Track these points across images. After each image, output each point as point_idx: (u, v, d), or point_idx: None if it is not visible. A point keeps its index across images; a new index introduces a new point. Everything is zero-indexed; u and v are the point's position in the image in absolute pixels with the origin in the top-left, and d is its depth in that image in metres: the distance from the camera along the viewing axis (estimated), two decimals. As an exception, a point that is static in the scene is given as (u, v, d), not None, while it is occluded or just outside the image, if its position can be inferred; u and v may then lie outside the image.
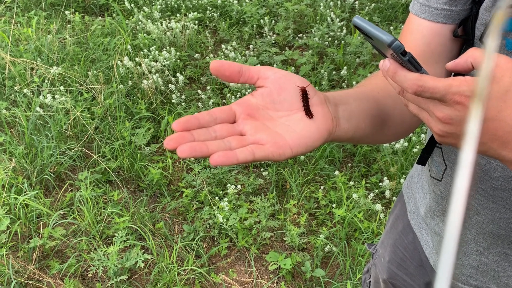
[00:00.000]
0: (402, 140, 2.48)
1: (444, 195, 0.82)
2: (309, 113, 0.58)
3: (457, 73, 0.66)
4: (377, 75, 0.75)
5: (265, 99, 0.58)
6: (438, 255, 0.89)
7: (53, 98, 2.74)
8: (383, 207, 2.24)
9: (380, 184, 2.36)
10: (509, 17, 0.62)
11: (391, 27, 3.55)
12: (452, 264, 0.19)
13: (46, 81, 2.92)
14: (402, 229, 1.00)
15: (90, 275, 2.00)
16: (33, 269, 1.99)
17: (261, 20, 3.62)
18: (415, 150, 2.49)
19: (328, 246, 2.10)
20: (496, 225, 0.75)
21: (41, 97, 2.73)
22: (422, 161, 0.83)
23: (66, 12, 3.68)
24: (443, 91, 0.48)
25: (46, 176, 2.35)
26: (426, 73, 0.52)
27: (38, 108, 2.64)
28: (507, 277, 0.80)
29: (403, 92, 0.55)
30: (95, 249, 2.08)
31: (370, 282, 1.15)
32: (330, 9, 3.69)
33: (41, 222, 2.19)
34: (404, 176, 2.39)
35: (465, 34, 0.69)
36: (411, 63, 0.51)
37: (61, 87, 2.82)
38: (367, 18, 3.64)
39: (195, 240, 2.13)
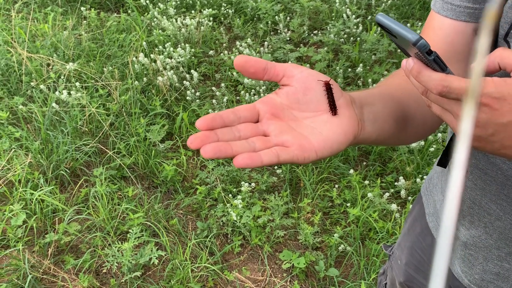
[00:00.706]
0: (418, 139, 2.45)
1: (464, 199, 0.81)
2: (333, 109, 0.56)
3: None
4: (398, 74, 0.73)
5: (290, 99, 0.56)
6: (457, 259, 0.87)
7: (69, 94, 2.76)
8: (399, 207, 2.22)
9: (396, 183, 2.33)
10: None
11: (408, 24, 3.51)
12: (447, 263, 0.18)
13: (62, 77, 2.94)
14: (420, 231, 0.98)
15: (104, 270, 2.01)
16: (49, 264, 2.01)
17: (276, 17, 3.60)
18: (431, 149, 2.46)
19: (342, 246, 2.09)
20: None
21: (57, 93, 2.75)
22: (443, 163, 0.82)
23: (82, 8, 3.71)
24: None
25: (62, 172, 2.37)
26: (452, 73, 0.50)
27: (54, 104, 2.67)
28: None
29: (426, 92, 0.53)
30: (109, 245, 2.09)
31: (386, 284, 1.14)
32: (346, 5, 3.65)
33: (57, 218, 2.21)
34: (420, 175, 2.36)
35: None
36: (436, 63, 0.49)
37: (77, 83, 2.84)
38: (383, 15, 3.60)
39: (209, 237, 2.14)
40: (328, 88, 0.57)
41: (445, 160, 0.81)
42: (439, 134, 2.54)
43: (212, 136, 0.50)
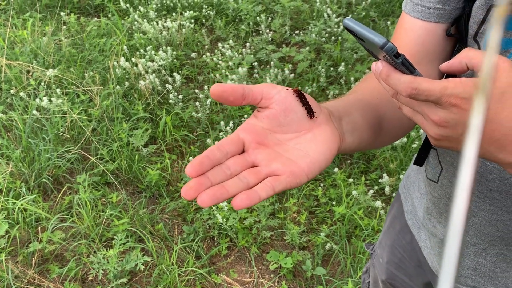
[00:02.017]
0: (401, 136, 2.47)
1: (440, 197, 0.81)
2: (311, 113, 0.56)
3: (449, 75, 0.65)
4: (372, 77, 0.74)
5: (271, 123, 0.56)
6: (436, 256, 0.88)
7: (50, 100, 2.73)
8: (383, 204, 2.23)
9: (380, 180, 2.35)
10: (506, 15, 0.61)
11: (388, 22, 3.54)
12: (455, 267, 0.18)
13: (43, 83, 2.90)
14: (400, 229, 0.99)
15: (90, 278, 1.99)
16: (33, 273, 1.99)
17: (258, 18, 3.60)
18: (414, 145, 2.48)
19: (328, 244, 2.09)
20: (493, 227, 0.74)
21: (37, 100, 2.72)
22: (419, 161, 0.82)
23: (61, 13, 3.67)
24: (438, 93, 0.47)
25: (44, 180, 2.34)
26: (420, 75, 0.51)
27: (34, 111, 2.63)
28: (506, 278, 0.79)
29: (396, 95, 0.54)
30: (94, 252, 2.07)
31: (369, 282, 1.14)
32: (326, 5, 3.67)
33: (40, 226, 2.18)
34: (403, 172, 2.38)
35: (458, 33, 0.68)
36: (404, 65, 0.49)
37: (58, 90, 2.81)
38: (363, 13, 3.63)
39: (195, 241, 2.13)
40: (299, 94, 0.56)
41: (421, 159, 0.82)
42: (421, 130, 2.57)
43: (205, 182, 0.49)
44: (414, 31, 0.70)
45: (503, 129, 0.47)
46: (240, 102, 0.54)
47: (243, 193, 0.49)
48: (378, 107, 0.67)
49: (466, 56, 0.51)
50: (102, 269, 1.95)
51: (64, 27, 3.57)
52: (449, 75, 0.64)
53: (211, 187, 0.49)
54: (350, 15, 3.62)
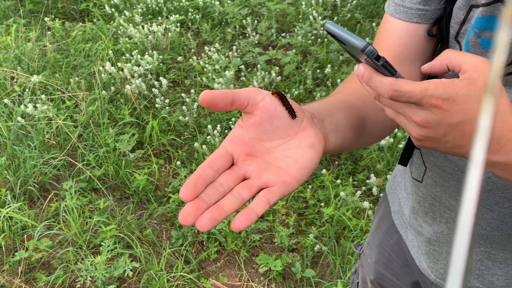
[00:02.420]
0: (388, 137, 2.48)
1: (425, 196, 0.82)
2: (292, 114, 0.56)
3: (430, 76, 0.65)
4: (355, 78, 0.74)
5: (258, 131, 0.55)
6: (423, 255, 0.89)
7: (35, 107, 2.70)
8: (371, 204, 2.24)
9: (367, 181, 2.36)
10: (483, 16, 0.62)
11: (373, 24, 3.56)
12: (463, 270, 0.18)
13: (27, 90, 2.87)
14: (387, 229, 0.99)
15: (78, 286, 1.97)
16: (19, 282, 1.96)
17: (244, 21, 3.60)
18: (400, 146, 2.50)
19: (317, 246, 2.10)
20: (477, 225, 0.74)
21: (22, 106, 2.69)
22: (403, 161, 0.83)
23: (46, 18, 3.63)
24: (419, 94, 0.48)
25: (30, 187, 2.31)
26: (401, 77, 0.51)
27: (19, 118, 2.60)
28: (491, 275, 0.80)
29: (379, 97, 0.54)
30: (82, 259, 2.05)
31: (358, 283, 1.14)
32: (312, 7, 3.68)
33: (26, 234, 2.15)
34: (390, 172, 2.40)
35: (440, 33, 0.69)
36: (385, 68, 0.50)
37: (43, 96, 2.78)
38: (349, 15, 3.65)
39: (184, 245, 2.12)
40: (280, 96, 0.56)
41: (405, 159, 0.83)
42: (408, 131, 2.58)
43: (201, 206, 0.48)
44: (396, 32, 0.71)
45: None
46: (228, 108, 0.54)
47: (241, 214, 0.49)
48: (361, 108, 0.68)
49: (446, 57, 0.52)
50: (90, 276, 1.93)
51: (49, 32, 3.54)
52: (431, 76, 0.65)
53: (208, 210, 0.49)
54: (336, 17, 3.64)
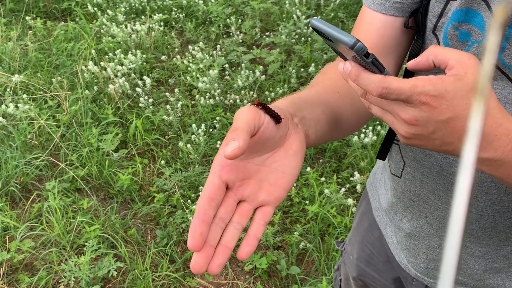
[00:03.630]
0: (371, 134, 2.51)
1: (404, 191, 0.83)
2: (278, 119, 0.54)
3: (407, 73, 0.66)
4: (330, 70, 0.74)
5: (250, 153, 0.55)
6: (403, 250, 0.90)
7: (16, 107, 2.66)
8: (355, 201, 2.26)
9: (351, 178, 2.38)
10: (461, 8, 0.63)
11: (357, 22, 3.59)
12: (454, 269, 0.18)
13: (8, 89, 2.83)
14: (368, 226, 1.00)
15: (61, 287, 1.95)
16: (1, 284, 1.93)
17: (228, 20, 3.60)
18: (384, 143, 2.53)
19: (302, 243, 2.11)
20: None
21: (3, 106, 2.65)
22: (382, 156, 0.84)
23: (27, 17, 3.59)
24: (408, 92, 0.47)
25: (12, 188, 2.29)
26: (389, 74, 0.51)
27: (0, 118, 2.57)
28: (470, 269, 0.81)
29: (366, 95, 0.54)
30: (66, 260, 2.04)
31: (341, 279, 1.16)
32: (296, 6, 3.70)
33: (8, 236, 2.12)
34: (374, 169, 2.42)
35: (416, 25, 0.70)
36: (374, 65, 0.49)
37: (24, 96, 2.74)
38: (332, 14, 3.67)
39: (169, 245, 2.11)
40: (262, 106, 0.54)
41: (383, 153, 0.84)
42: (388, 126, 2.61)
43: (209, 253, 0.50)
44: (373, 24, 0.72)
45: None
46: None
47: (245, 244, 0.51)
48: (337, 102, 0.68)
49: (432, 53, 0.51)
50: (74, 277, 1.91)
51: (30, 31, 3.49)
52: (408, 72, 0.66)
53: (215, 255, 0.50)
54: (319, 16, 3.66)
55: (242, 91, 2.93)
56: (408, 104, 0.49)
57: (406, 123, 0.50)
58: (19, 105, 2.64)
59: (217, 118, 2.73)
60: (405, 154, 0.79)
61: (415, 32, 0.71)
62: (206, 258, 0.49)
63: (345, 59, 0.54)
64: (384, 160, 0.82)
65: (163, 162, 2.49)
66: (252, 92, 2.92)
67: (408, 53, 0.74)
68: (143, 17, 3.67)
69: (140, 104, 2.80)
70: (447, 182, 0.74)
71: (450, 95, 0.47)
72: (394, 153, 0.83)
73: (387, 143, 0.81)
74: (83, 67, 2.99)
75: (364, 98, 0.54)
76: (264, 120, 0.53)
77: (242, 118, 0.51)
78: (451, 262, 0.18)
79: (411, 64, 0.53)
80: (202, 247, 0.49)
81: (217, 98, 2.86)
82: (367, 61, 0.48)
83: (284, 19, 3.65)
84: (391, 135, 0.80)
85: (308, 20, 3.52)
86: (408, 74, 0.69)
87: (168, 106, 2.78)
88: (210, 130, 2.70)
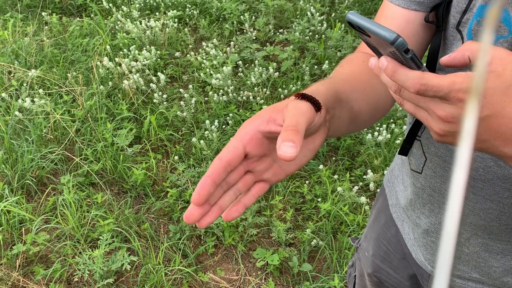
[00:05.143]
0: (384, 132, 2.50)
1: (424, 188, 0.83)
2: (318, 106, 0.54)
3: (428, 67, 0.65)
4: (352, 63, 0.73)
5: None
6: (420, 247, 0.90)
7: (32, 101, 2.70)
8: (368, 200, 2.25)
9: (364, 176, 2.37)
10: (486, 3, 0.62)
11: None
12: (450, 262, 0.18)
13: (25, 84, 2.87)
14: (385, 222, 1.00)
15: (76, 279, 1.97)
16: (17, 276, 1.96)
17: (241, 17, 3.61)
18: (397, 141, 2.51)
19: (314, 240, 2.11)
20: (476, 215, 0.75)
21: (19, 100, 2.68)
22: (404, 151, 0.84)
23: (43, 13, 3.62)
24: (446, 89, 0.46)
25: (28, 181, 2.31)
26: (427, 70, 0.49)
27: (17, 112, 2.60)
28: (488, 267, 0.81)
29: (400, 90, 0.52)
30: (80, 253, 2.06)
31: (355, 276, 1.15)
32: (310, 3, 3.69)
33: (24, 228, 2.15)
34: (387, 168, 2.41)
35: (436, 20, 0.69)
36: (413, 61, 0.48)
37: (40, 90, 2.77)
38: (346, 11, 3.65)
39: (182, 239, 2.12)
40: (303, 97, 0.54)
41: (406, 149, 0.84)
42: (405, 127, 2.60)
43: (206, 210, 0.53)
44: (394, 19, 0.71)
45: (510, 123, 0.46)
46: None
47: (234, 210, 0.55)
48: (358, 99, 0.68)
49: (469, 49, 0.50)
50: (88, 270, 1.93)
51: (46, 27, 3.53)
52: (429, 67, 0.65)
53: (209, 213, 0.53)
54: (333, 14, 3.64)
55: (255, 88, 2.93)
56: (445, 101, 0.48)
57: (441, 120, 0.49)
58: (35, 99, 2.67)
59: (230, 114, 2.73)
60: (427, 150, 0.79)
61: (436, 27, 0.71)
62: (201, 214, 0.52)
63: (378, 53, 0.52)
64: (406, 155, 0.82)
65: (176, 157, 2.51)
66: (265, 89, 2.93)
67: (429, 48, 0.74)
68: (157, 13, 3.69)
69: (154, 100, 2.82)
70: (468, 178, 0.73)
71: (489, 92, 0.46)
72: (415, 149, 0.82)
73: (410, 139, 0.80)
74: (98, 63, 3.02)
75: (398, 94, 0.53)
76: (317, 119, 0.54)
77: (303, 119, 0.51)
78: (447, 257, 0.18)
79: (445, 59, 0.52)
80: (203, 203, 0.52)
81: (230, 94, 2.87)
82: (407, 57, 0.47)
83: (298, 16, 3.65)
84: (413, 131, 0.80)
85: (322, 17, 3.51)
86: (429, 68, 0.69)
87: (182, 102, 2.80)
88: (223, 126, 2.71)
